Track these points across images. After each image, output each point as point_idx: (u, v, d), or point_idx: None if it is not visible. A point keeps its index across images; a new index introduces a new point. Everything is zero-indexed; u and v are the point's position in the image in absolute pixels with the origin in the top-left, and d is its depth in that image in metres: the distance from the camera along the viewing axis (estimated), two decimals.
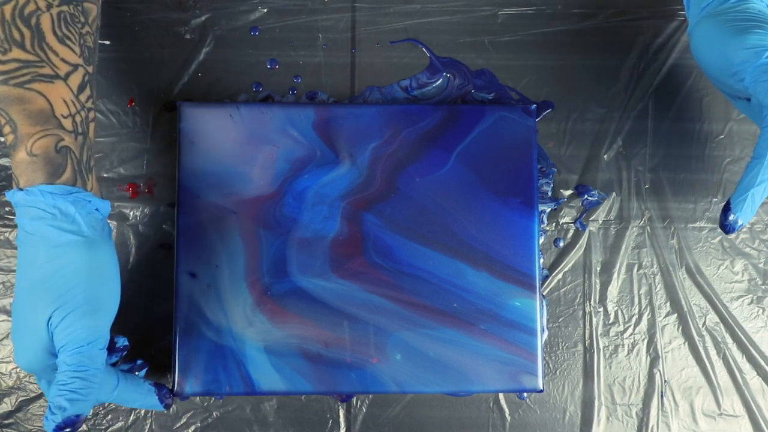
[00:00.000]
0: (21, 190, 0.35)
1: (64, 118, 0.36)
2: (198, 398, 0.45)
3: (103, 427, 0.45)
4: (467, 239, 0.45)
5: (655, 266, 0.48)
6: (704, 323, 0.48)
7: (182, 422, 0.45)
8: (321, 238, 0.45)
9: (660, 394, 0.47)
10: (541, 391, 0.44)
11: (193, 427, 0.45)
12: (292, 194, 0.45)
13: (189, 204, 0.44)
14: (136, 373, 0.41)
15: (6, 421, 0.45)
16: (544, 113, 0.48)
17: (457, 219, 0.45)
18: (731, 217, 0.39)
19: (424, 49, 0.48)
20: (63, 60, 0.36)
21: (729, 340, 0.48)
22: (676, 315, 0.48)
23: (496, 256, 0.45)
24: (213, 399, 0.46)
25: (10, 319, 0.46)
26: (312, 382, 0.44)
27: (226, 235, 0.44)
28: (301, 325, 0.44)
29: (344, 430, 0.46)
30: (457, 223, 0.45)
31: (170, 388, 0.43)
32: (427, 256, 0.45)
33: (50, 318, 0.34)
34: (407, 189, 0.45)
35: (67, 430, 0.34)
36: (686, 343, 0.47)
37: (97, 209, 0.36)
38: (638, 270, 0.48)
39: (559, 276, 0.48)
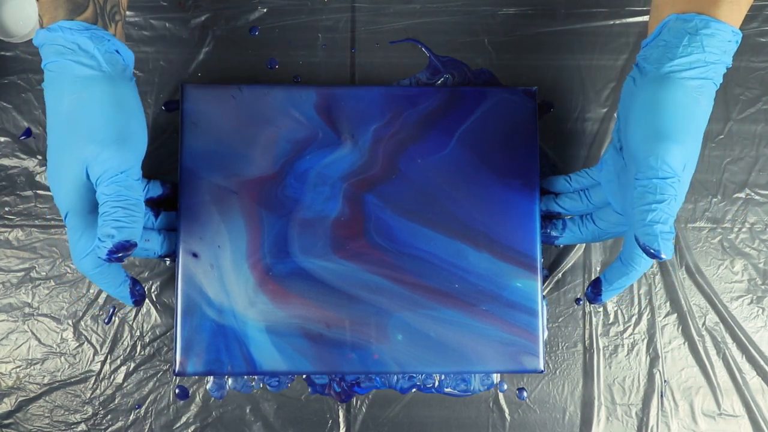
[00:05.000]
0: (44, 29, 0.36)
1: None
2: (198, 398, 0.45)
3: (103, 427, 0.45)
4: (468, 220, 0.45)
5: (654, 266, 0.48)
6: (704, 323, 0.48)
7: (182, 422, 0.45)
8: (322, 219, 0.45)
9: (660, 394, 0.47)
10: (542, 371, 0.44)
11: (193, 427, 0.45)
12: (293, 175, 0.45)
13: (191, 185, 0.44)
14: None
15: (6, 421, 0.45)
16: (544, 114, 0.48)
17: (459, 200, 0.45)
18: (598, 298, 0.42)
19: (423, 49, 0.48)
20: None
21: (729, 339, 0.48)
22: (675, 315, 0.48)
23: (497, 237, 0.45)
24: (213, 399, 0.45)
25: (9, 318, 0.46)
26: (313, 362, 0.44)
27: (228, 215, 0.44)
28: (303, 305, 0.44)
29: (344, 430, 0.46)
30: (458, 204, 0.45)
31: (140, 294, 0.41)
32: (429, 237, 0.45)
33: (83, 154, 0.35)
34: (409, 170, 0.45)
35: (119, 254, 0.35)
36: (686, 343, 0.47)
37: (118, 52, 0.37)
38: None
39: (559, 276, 0.48)
